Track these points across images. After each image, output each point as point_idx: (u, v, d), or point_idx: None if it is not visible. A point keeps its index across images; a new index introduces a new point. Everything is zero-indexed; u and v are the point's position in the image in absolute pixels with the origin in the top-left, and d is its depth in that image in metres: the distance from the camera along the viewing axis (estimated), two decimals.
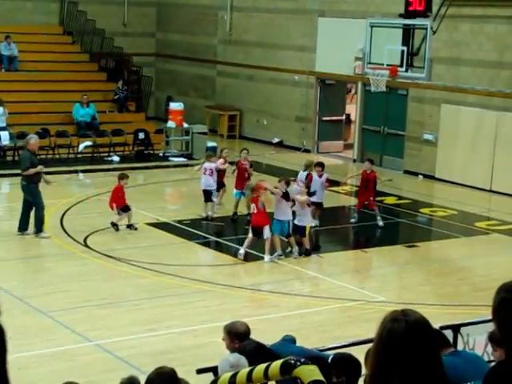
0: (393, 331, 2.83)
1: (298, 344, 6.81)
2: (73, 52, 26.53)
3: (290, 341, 6.75)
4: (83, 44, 26.85)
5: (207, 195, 16.21)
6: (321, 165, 16.08)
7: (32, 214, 14.66)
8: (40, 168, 14.64)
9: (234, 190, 16.42)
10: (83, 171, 21.07)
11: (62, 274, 12.94)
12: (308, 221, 14.33)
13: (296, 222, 14.10)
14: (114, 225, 15.21)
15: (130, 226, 15.41)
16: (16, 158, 19.99)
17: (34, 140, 14.91)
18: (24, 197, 14.70)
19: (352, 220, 16.63)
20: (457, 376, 4.16)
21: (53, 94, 24.04)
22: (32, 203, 14.55)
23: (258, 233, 13.82)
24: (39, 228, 14.61)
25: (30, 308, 11.27)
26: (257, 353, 5.63)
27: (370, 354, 2.91)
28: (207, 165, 16.28)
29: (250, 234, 13.88)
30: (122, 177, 15.73)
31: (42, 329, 10.56)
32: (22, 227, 14.66)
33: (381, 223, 16.28)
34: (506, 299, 3.09)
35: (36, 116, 23.06)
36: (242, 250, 13.85)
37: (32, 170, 14.42)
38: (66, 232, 15.13)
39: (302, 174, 15.76)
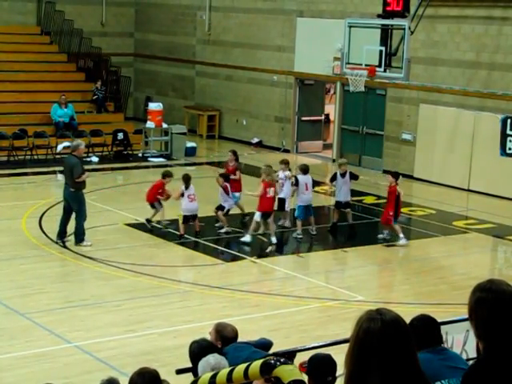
0: (369, 330, 2.85)
1: (278, 343, 6.84)
2: (51, 52, 26.40)
3: (262, 344, 6.78)
4: (61, 44, 26.73)
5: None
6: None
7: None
8: (87, 175, 14.57)
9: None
10: (62, 172, 20.93)
11: (41, 275, 12.88)
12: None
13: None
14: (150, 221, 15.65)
15: (153, 222, 15.69)
16: None
17: (83, 146, 14.89)
18: (65, 204, 14.39)
19: (380, 236, 15.55)
20: (431, 373, 4.19)
21: (30, 95, 23.91)
22: (76, 211, 14.20)
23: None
24: (81, 238, 14.24)
25: (8, 310, 11.21)
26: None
27: (347, 355, 2.92)
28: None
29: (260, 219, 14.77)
30: (168, 174, 15.88)
31: (21, 330, 10.50)
32: (61, 235, 14.41)
33: (402, 241, 15.07)
34: (482, 298, 3.13)
35: (14, 116, 22.92)
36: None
37: (84, 177, 14.29)
38: (44, 233, 15.05)
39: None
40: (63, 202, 14.53)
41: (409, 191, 20.30)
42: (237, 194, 16.04)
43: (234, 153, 16.60)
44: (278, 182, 15.40)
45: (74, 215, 14.31)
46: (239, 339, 6.68)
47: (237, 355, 5.87)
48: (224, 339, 6.42)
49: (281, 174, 15.62)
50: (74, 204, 14.21)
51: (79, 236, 14.29)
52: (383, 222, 15.59)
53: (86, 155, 22.15)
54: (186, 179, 15.14)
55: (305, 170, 15.53)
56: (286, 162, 15.87)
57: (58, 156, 22.00)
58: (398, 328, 2.88)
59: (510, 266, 15.30)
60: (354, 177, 16.16)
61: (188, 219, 15.11)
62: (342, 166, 16.04)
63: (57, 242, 14.34)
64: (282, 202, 15.57)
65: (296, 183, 15.39)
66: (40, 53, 25.91)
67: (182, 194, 15.03)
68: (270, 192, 14.72)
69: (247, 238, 14.84)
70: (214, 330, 6.55)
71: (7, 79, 24.01)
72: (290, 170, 15.91)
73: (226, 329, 6.54)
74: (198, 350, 5.88)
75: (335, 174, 16.14)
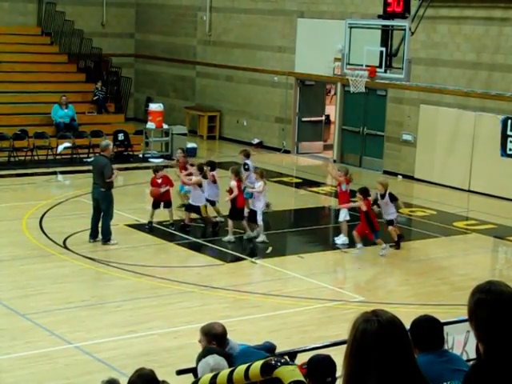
0: (366, 332, 2.86)
1: (278, 345, 6.83)
2: (51, 53, 26.40)
3: (267, 348, 6.75)
4: (62, 45, 26.74)
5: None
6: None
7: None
8: (116, 174, 14.68)
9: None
10: (62, 172, 20.99)
11: (41, 275, 12.88)
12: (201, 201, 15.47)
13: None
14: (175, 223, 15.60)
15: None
16: None
17: (111, 146, 15.17)
18: (94, 204, 14.49)
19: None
20: (433, 375, 4.19)
21: (31, 95, 23.92)
22: (104, 210, 14.33)
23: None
24: (108, 238, 14.39)
25: (8, 310, 11.21)
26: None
27: (344, 356, 2.93)
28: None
29: None
30: (157, 170, 15.94)
31: (21, 331, 10.50)
32: (94, 235, 14.52)
33: (381, 252, 14.56)
34: (482, 300, 3.13)
35: (14, 117, 22.93)
36: None
37: (114, 176, 14.40)
38: (45, 234, 15.07)
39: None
40: (92, 202, 14.62)
41: (409, 192, 20.32)
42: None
43: (183, 150, 17.25)
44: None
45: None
46: (240, 341, 6.67)
47: (246, 361, 5.84)
48: (216, 337, 6.35)
49: (255, 185, 15.14)
50: (104, 203, 14.34)
51: (106, 236, 14.43)
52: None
53: (86, 156, 22.24)
54: (214, 164, 15.85)
55: (248, 154, 16.48)
56: (259, 173, 15.20)
57: (58, 157, 22.04)
58: (394, 329, 2.88)
59: (510, 266, 15.30)
60: (393, 198, 14.81)
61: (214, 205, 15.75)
62: (380, 187, 14.76)
63: (90, 242, 14.46)
64: (253, 213, 15.00)
65: (248, 168, 16.15)
66: (40, 53, 25.92)
67: (215, 181, 15.49)
68: (348, 189, 15.34)
69: (343, 240, 15.02)
70: (202, 336, 6.43)
71: (8, 80, 24.02)
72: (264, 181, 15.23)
73: (213, 328, 6.46)
74: (201, 355, 5.87)
75: (376, 197, 14.79)
